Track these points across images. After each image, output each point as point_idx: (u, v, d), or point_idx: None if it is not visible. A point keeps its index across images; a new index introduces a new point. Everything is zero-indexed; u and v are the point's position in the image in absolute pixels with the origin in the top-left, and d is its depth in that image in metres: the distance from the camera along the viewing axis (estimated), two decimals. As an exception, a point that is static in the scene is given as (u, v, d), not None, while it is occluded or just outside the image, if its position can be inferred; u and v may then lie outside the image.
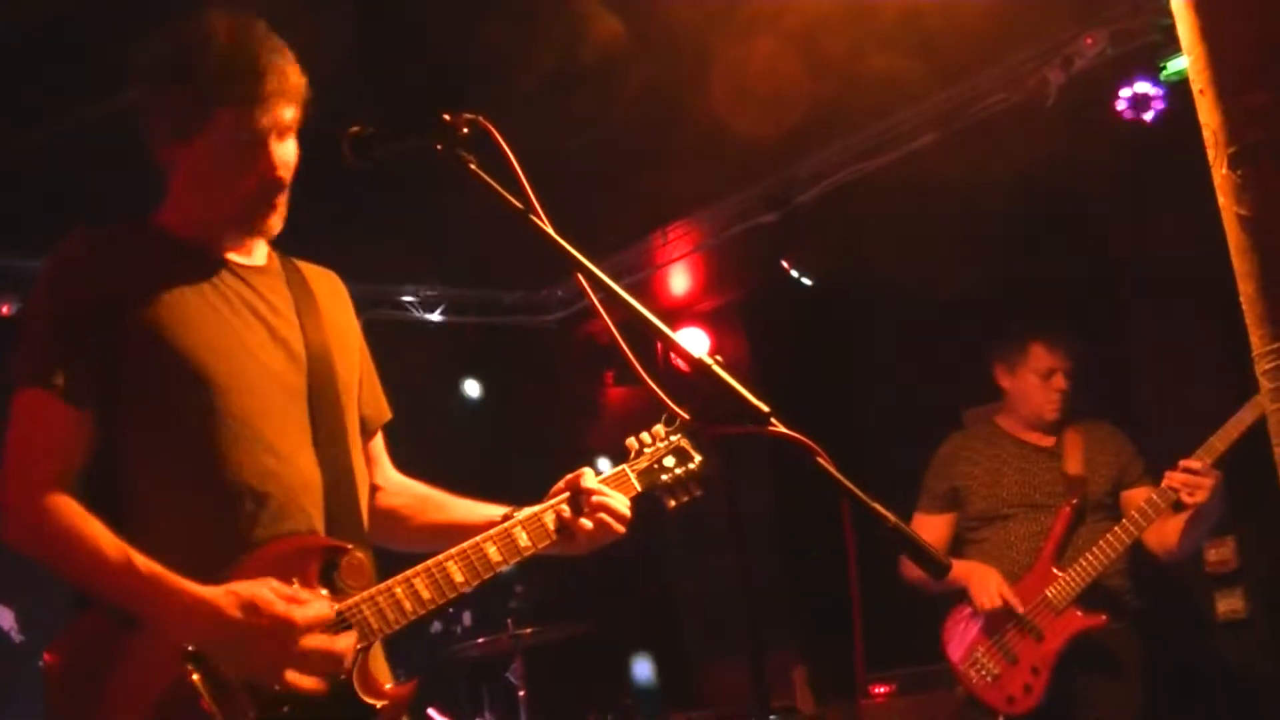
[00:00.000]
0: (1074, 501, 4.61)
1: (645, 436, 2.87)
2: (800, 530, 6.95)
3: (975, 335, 6.51)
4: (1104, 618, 4.49)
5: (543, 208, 2.16)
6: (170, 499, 2.35)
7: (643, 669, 7.87)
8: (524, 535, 2.60)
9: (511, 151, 2.17)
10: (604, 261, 7.04)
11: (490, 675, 6.43)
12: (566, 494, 2.67)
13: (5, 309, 6.05)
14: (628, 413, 8.14)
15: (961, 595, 4.69)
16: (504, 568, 2.57)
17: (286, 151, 2.50)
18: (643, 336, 2.05)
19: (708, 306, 8.01)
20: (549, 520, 2.63)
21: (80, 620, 2.29)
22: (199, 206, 2.52)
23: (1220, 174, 2.35)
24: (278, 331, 2.54)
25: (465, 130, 2.22)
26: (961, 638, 4.67)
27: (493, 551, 2.56)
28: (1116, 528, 4.43)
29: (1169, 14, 2.51)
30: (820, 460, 1.92)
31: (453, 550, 2.51)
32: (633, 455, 2.84)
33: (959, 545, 4.88)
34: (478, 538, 2.56)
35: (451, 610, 6.61)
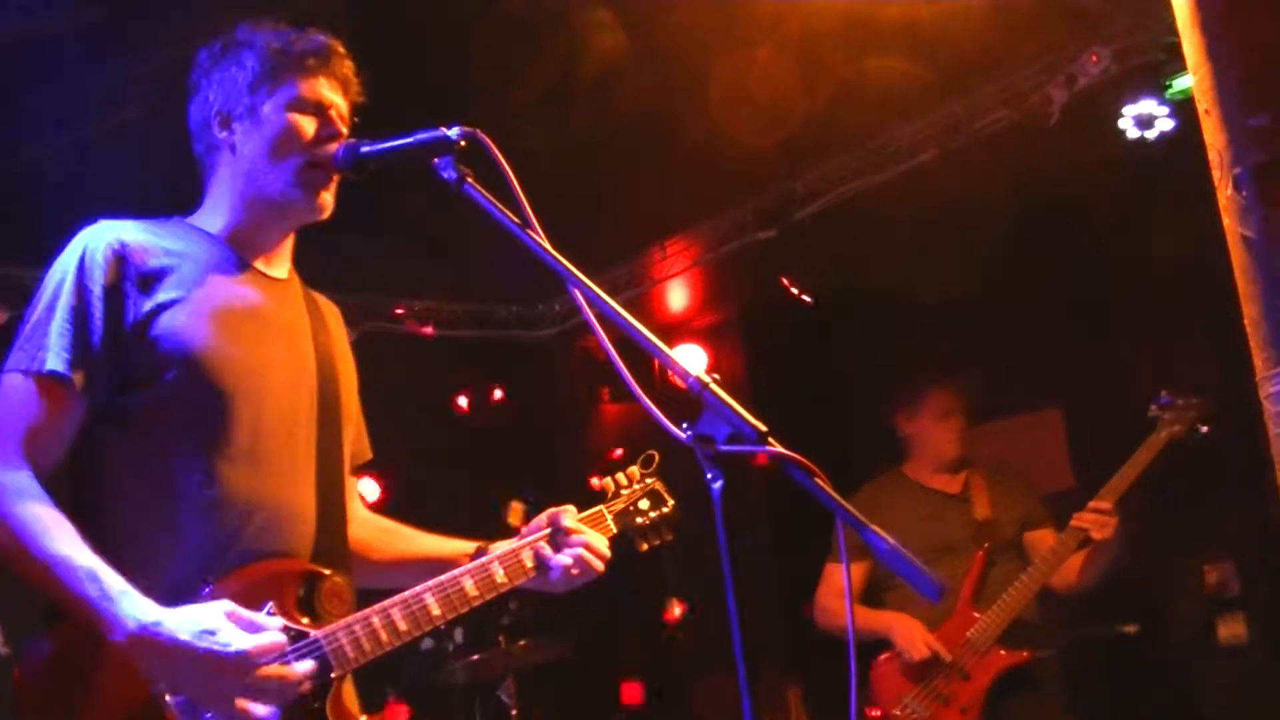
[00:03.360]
0: (986, 545, 4.86)
1: (621, 477, 2.89)
2: (796, 548, 6.93)
3: (976, 352, 6.54)
4: (1026, 654, 4.70)
5: (539, 222, 2.16)
6: (157, 503, 2.33)
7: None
8: (500, 571, 2.61)
9: (508, 165, 2.17)
10: (600, 276, 7.05)
11: (482, 693, 6.40)
12: (546, 530, 2.67)
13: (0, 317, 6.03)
14: (624, 429, 8.13)
15: (882, 645, 4.88)
16: (479, 603, 2.57)
17: (330, 130, 2.53)
18: (640, 352, 2.05)
19: (705, 322, 8.00)
20: (526, 557, 2.64)
21: (53, 633, 2.26)
22: (242, 197, 2.54)
23: (1225, 195, 2.35)
24: (294, 348, 2.55)
25: (462, 143, 2.23)
26: (889, 685, 4.84)
27: (469, 586, 2.55)
28: (1031, 569, 4.69)
29: (1174, 31, 2.51)
30: (817, 480, 1.91)
31: (430, 583, 2.51)
32: (609, 496, 2.86)
33: (876, 593, 5.08)
34: (455, 571, 2.56)
35: (443, 626, 6.58)
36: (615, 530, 2.83)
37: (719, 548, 1.99)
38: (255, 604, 2.28)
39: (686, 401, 1.98)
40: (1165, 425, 4.60)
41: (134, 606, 2.16)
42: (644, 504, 2.90)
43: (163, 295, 2.38)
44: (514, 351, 8.13)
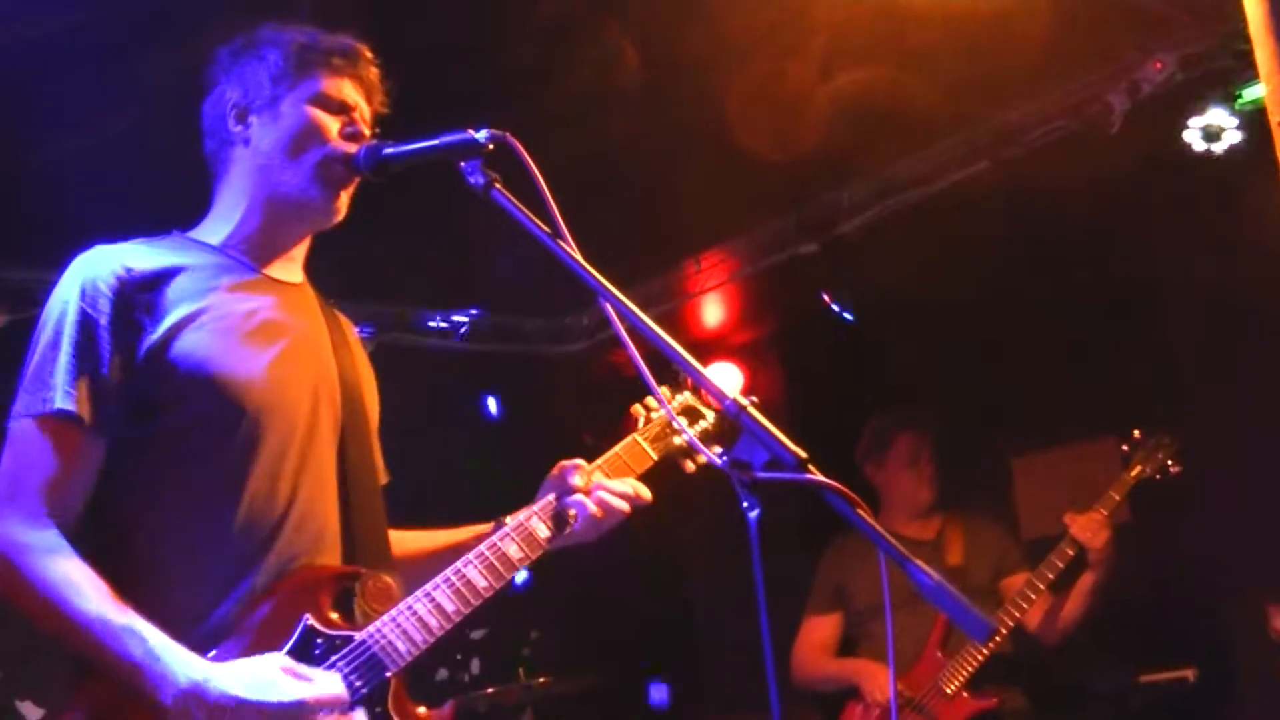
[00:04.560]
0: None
1: (650, 401, 2.88)
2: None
3: (1026, 376, 6.49)
4: (995, 700, 4.91)
5: (569, 230, 2.16)
6: (183, 531, 2.33)
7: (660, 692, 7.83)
8: (542, 526, 2.64)
9: (538, 171, 2.17)
10: (632, 289, 7.03)
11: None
12: (554, 494, 2.70)
13: (-1, 320, 6.07)
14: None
15: (853, 693, 5.12)
16: (525, 564, 2.59)
17: (353, 130, 2.55)
18: (673, 370, 2.04)
19: (742, 340, 7.98)
20: (564, 512, 2.68)
21: (82, 698, 2.24)
22: (254, 196, 2.55)
23: (1298, 213, 2.32)
24: (314, 358, 2.56)
25: (490, 147, 2.23)
26: None
27: (513, 549, 2.58)
28: (999, 613, 4.88)
29: (1245, 37, 2.49)
30: (859, 511, 1.90)
31: (469, 555, 2.53)
32: (641, 423, 2.85)
33: (850, 645, 5.34)
34: (493, 537, 2.58)
35: (459, 656, 6.59)
36: (656, 457, 2.84)
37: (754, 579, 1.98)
38: (291, 619, 2.29)
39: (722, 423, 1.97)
40: (1136, 463, 4.95)
41: (182, 663, 2.16)
42: (681, 422, 2.88)
43: (174, 317, 2.38)
44: (539, 366, 8.12)
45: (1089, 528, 4.79)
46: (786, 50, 4.96)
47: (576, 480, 2.70)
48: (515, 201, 2.19)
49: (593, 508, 2.67)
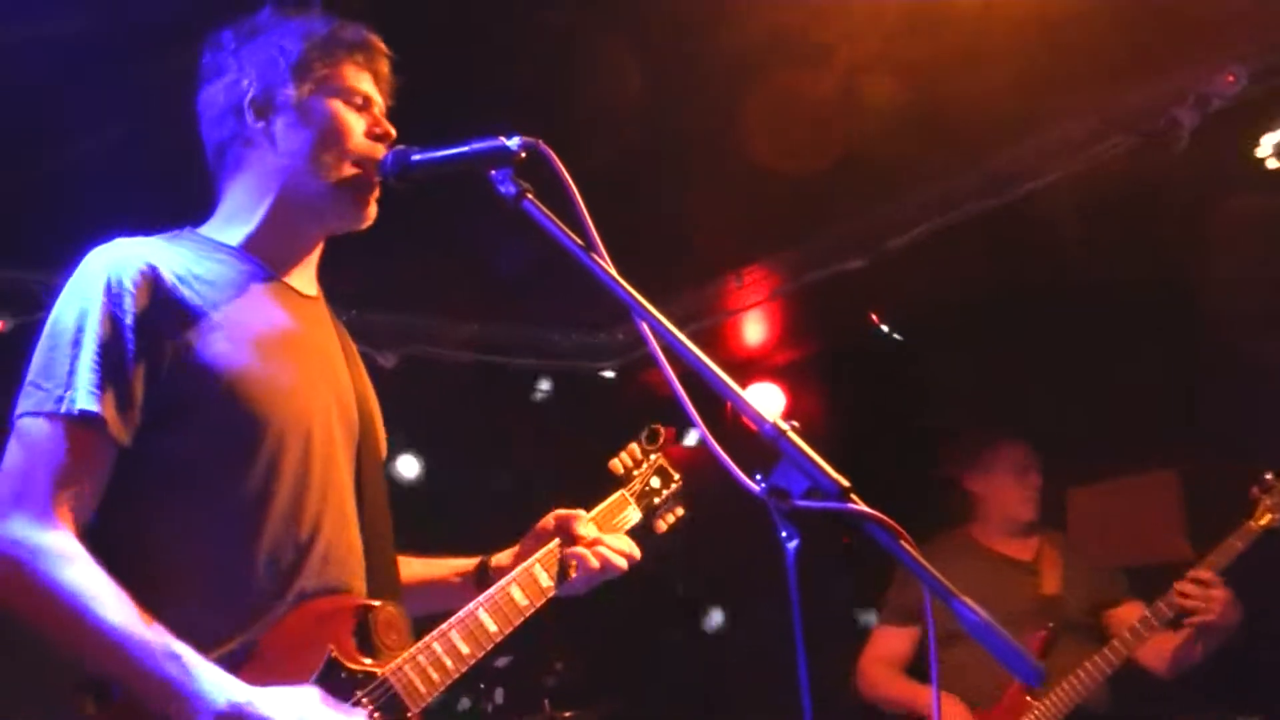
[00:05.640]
0: (1050, 625, 4.78)
1: (626, 458, 2.95)
2: (871, 617, 6.85)
3: (1083, 402, 6.44)
4: None
5: (603, 242, 2.15)
6: (203, 550, 2.33)
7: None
8: (545, 574, 2.68)
9: (572, 180, 2.17)
10: (669, 306, 7.02)
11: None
12: (557, 541, 2.75)
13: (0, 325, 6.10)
14: (686, 475, 8.08)
15: None
16: (531, 612, 2.64)
17: (380, 130, 2.56)
18: (709, 389, 2.04)
19: (784, 359, 7.96)
20: (567, 563, 2.73)
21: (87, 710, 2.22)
22: (274, 198, 2.54)
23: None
24: (330, 373, 2.57)
25: (522, 155, 2.22)
26: None
27: (518, 594, 2.62)
28: (1106, 649, 4.63)
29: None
30: (903, 543, 1.88)
31: (480, 598, 2.58)
32: (624, 480, 2.90)
33: (923, 663, 5.14)
34: (501, 581, 2.62)
35: (483, 685, 6.60)
36: (641, 515, 2.93)
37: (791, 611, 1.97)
38: (315, 650, 2.30)
39: (760, 447, 1.96)
40: (1266, 511, 4.60)
41: (219, 686, 2.14)
42: (655, 482, 2.99)
43: (198, 322, 2.36)
44: (572, 384, 8.13)
45: (1201, 596, 4.51)
46: (835, 57, 4.94)
47: (582, 532, 2.72)
48: (548, 213, 2.18)
49: (594, 562, 2.71)
